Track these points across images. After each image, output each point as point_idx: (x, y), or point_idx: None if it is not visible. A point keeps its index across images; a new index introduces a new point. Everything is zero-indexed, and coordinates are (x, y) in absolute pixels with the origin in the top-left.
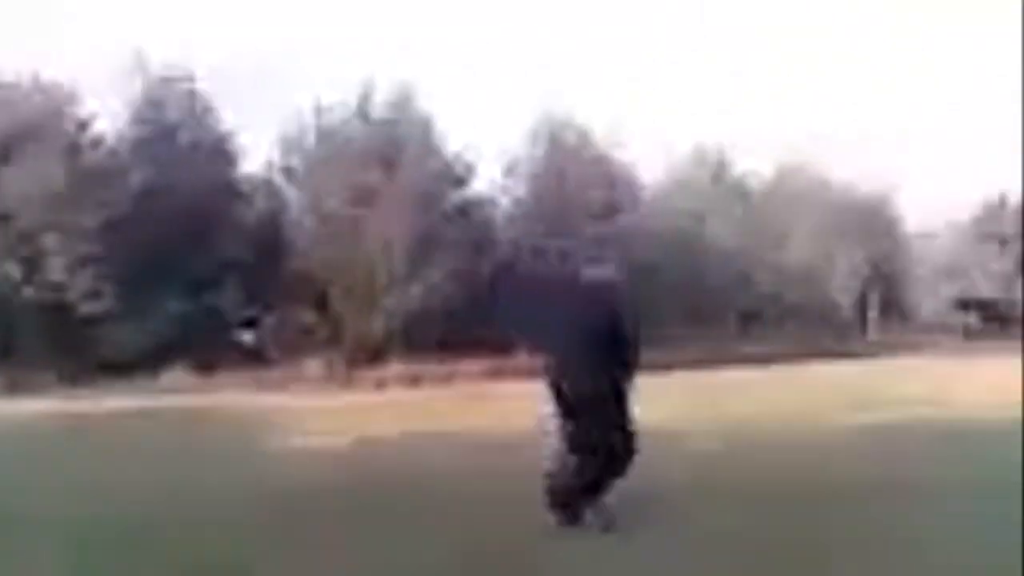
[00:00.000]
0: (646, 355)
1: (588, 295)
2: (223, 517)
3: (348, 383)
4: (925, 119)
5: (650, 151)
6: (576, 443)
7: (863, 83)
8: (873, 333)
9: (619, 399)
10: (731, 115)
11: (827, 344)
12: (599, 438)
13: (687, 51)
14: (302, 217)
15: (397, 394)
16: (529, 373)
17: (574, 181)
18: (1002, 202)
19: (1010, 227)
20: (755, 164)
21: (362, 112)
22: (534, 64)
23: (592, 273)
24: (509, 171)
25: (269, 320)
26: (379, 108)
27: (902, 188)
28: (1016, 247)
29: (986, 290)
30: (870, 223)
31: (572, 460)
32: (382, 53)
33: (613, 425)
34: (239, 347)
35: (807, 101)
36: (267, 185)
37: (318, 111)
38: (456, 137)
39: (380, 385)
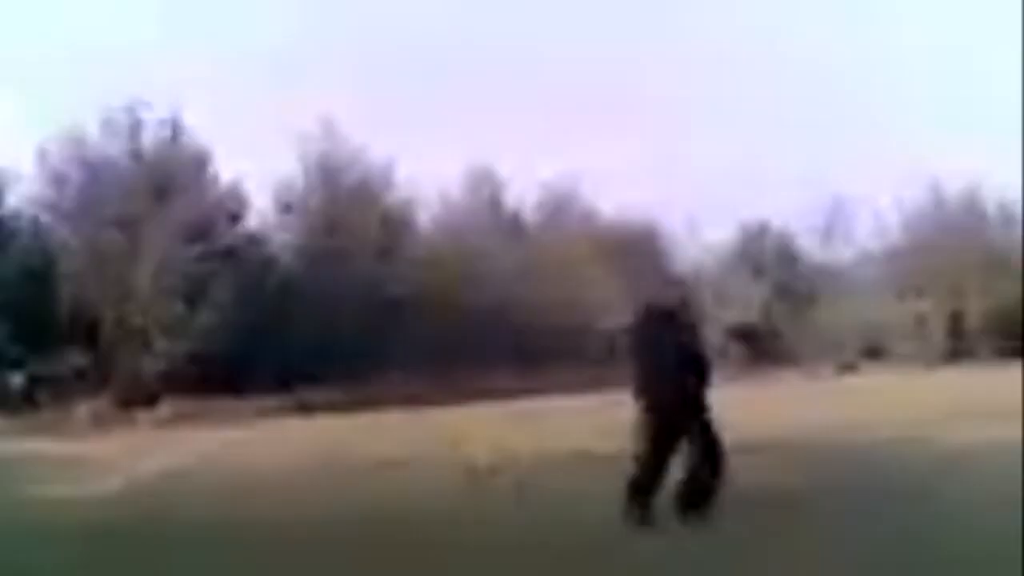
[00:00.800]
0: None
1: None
2: None
3: (119, 425)
4: (685, 149)
5: (426, 185)
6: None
7: (626, 113)
8: None
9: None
10: (505, 147)
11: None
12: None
13: (458, 83)
14: (70, 253)
15: (170, 435)
16: (308, 410)
17: (350, 217)
18: (762, 230)
19: (770, 256)
20: (529, 197)
21: (132, 145)
22: (308, 99)
23: (667, 294)
24: (284, 208)
25: (38, 361)
26: (150, 141)
27: (669, 216)
28: (774, 275)
29: (748, 318)
30: (637, 253)
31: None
32: (155, 85)
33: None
34: (7, 390)
35: (573, 133)
36: (34, 221)
37: (85, 143)
38: (229, 172)
39: (154, 426)
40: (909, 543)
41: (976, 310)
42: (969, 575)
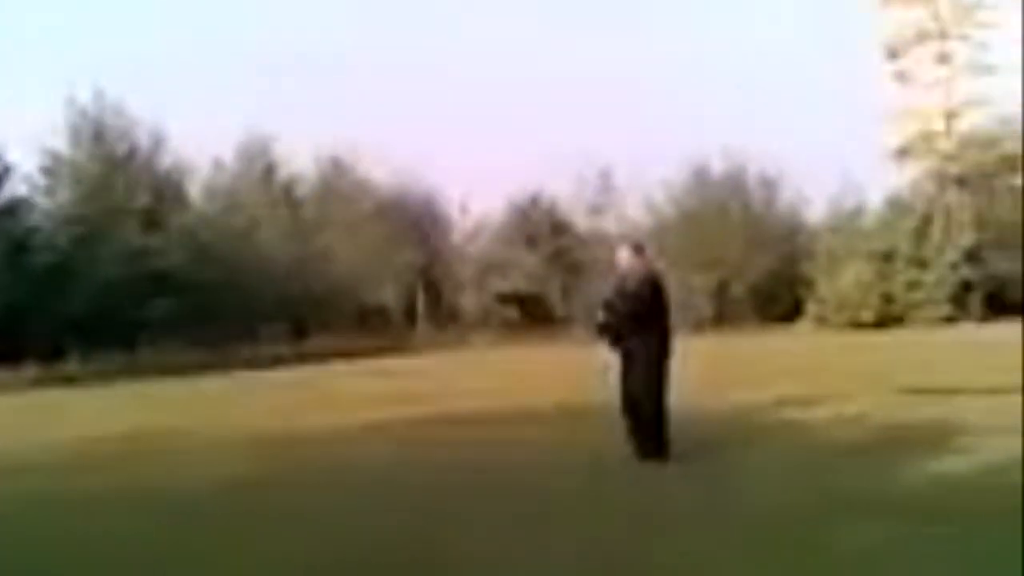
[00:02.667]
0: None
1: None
2: None
3: None
4: (463, 120)
5: (198, 153)
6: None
7: (405, 83)
8: (422, 331)
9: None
10: (280, 117)
11: (375, 343)
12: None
13: (233, 50)
14: None
15: None
16: (75, 381)
17: (120, 186)
18: (534, 202)
19: (542, 227)
20: (302, 167)
21: None
22: (77, 64)
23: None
24: (50, 173)
25: None
26: None
27: (447, 185)
28: (548, 247)
29: (524, 286)
30: (416, 224)
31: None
32: None
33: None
34: None
35: (350, 104)
36: None
37: None
38: None
39: None
40: None
41: (739, 279)
42: None
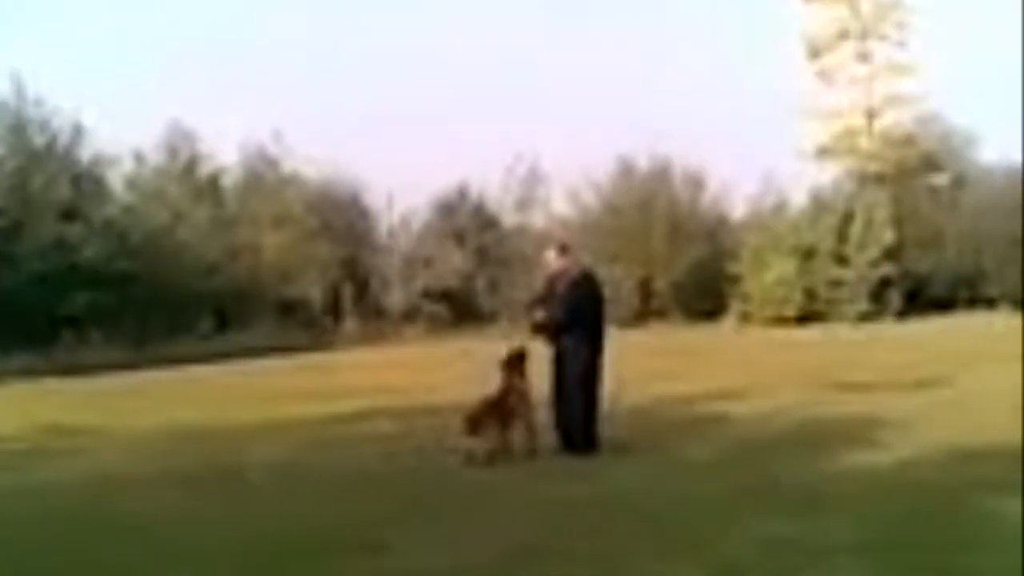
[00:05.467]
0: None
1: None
2: None
3: None
4: (389, 112)
5: (120, 145)
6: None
7: (332, 75)
8: (348, 326)
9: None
10: (201, 109)
11: (301, 339)
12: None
13: (157, 39)
14: None
15: None
16: None
17: (40, 178)
18: (462, 195)
19: (469, 221)
20: (225, 160)
21: None
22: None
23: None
24: None
25: None
26: None
27: (373, 180)
28: (475, 240)
29: (450, 281)
30: (342, 217)
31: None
32: None
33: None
34: None
35: (276, 95)
36: None
37: None
38: None
39: None
40: None
41: (664, 274)
42: None
